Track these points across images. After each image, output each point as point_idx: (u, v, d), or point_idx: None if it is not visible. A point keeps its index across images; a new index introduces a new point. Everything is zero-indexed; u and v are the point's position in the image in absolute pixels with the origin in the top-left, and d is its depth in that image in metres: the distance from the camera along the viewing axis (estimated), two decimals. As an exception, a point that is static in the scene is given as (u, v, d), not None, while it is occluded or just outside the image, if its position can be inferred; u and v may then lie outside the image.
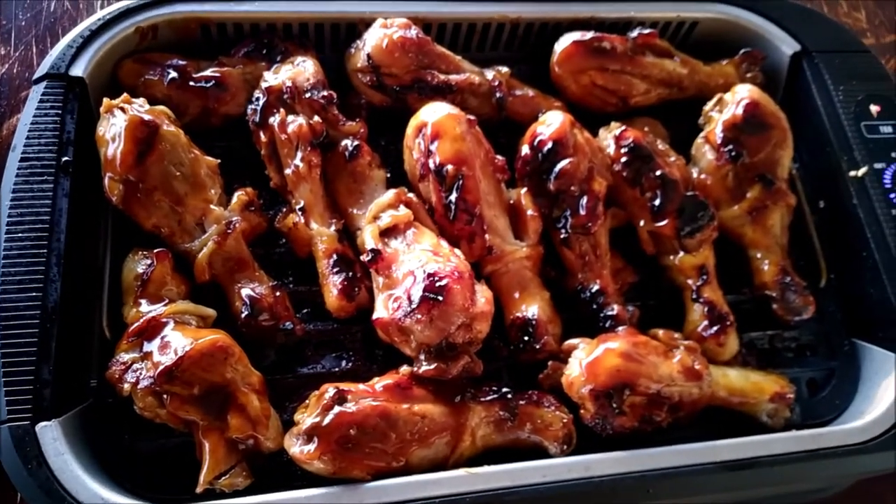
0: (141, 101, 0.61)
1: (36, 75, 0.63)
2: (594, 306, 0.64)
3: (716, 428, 0.61)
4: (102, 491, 0.50)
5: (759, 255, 0.70)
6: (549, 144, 0.65)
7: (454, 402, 0.56)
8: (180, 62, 0.66)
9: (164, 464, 0.55)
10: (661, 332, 0.63)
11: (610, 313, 0.63)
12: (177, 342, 0.52)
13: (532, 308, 0.62)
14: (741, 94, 0.71)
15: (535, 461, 0.55)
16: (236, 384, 0.53)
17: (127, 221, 0.60)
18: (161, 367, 0.51)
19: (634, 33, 0.75)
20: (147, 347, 0.53)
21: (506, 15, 0.74)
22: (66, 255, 0.56)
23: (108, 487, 0.50)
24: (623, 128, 0.69)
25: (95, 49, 0.64)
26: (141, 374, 0.52)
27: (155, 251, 0.58)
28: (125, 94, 0.60)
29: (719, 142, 0.70)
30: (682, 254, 0.67)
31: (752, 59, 0.78)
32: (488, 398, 0.58)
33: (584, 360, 0.57)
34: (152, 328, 0.54)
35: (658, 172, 0.66)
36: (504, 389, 0.58)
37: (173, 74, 0.65)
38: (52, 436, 0.50)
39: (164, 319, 0.55)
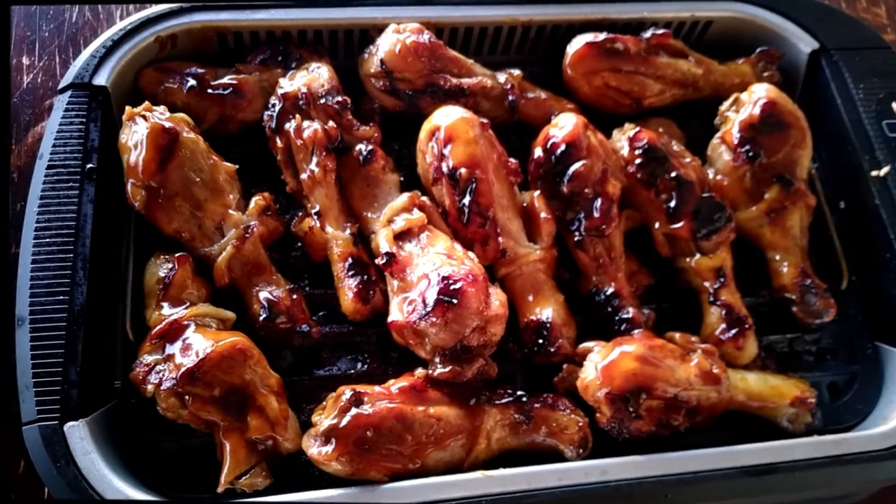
0: (161, 108, 0.62)
1: (61, 85, 0.65)
2: (609, 309, 0.64)
3: (735, 432, 0.60)
4: (127, 489, 0.51)
5: (778, 257, 0.69)
6: (563, 147, 0.65)
7: (469, 405, 0.56)
8: (199, 70, 0.68)
9: (186, 463, 0.56)
10: (677, 336, 0.63)
11: (625, 316, 0.63)
12: (198, 344, 0.54)
13: (546, 311, 0.62)
14: (758, 94, 0.70)
15: (552, 465, 0.55)
16: (255, 386, 0.54)
17: (149, 226, 0.61)
18: (183, 369, 0.52)
19: (648, 34, 0.74)
20: (169, 349, 0.54)
21: (517, 18, 0.74)
22: (92, 260, 0.57)
23: (133, 485, 0.52)
24: (637, 129, 0.68)
25: (117, 59, 0.66)
26: (164, 375, 0.53)
27: (176, 255, 0.60)
28: (146, 103, 0.62)
29: (736, 142, 0.69)
30: (698, 256, 0.66)
31: (769, 57, 0.77)
32: (503, 401, 0.58)
33: (599, 364, 0.57)
34: (174, 331, 0.55)
35: (673, 174, 0.66)
36: (519, 392, 0.58)
37: (192, 82, 0.66)
38: (79, 435, 0.52)
39: (186, 322, 0.56)
